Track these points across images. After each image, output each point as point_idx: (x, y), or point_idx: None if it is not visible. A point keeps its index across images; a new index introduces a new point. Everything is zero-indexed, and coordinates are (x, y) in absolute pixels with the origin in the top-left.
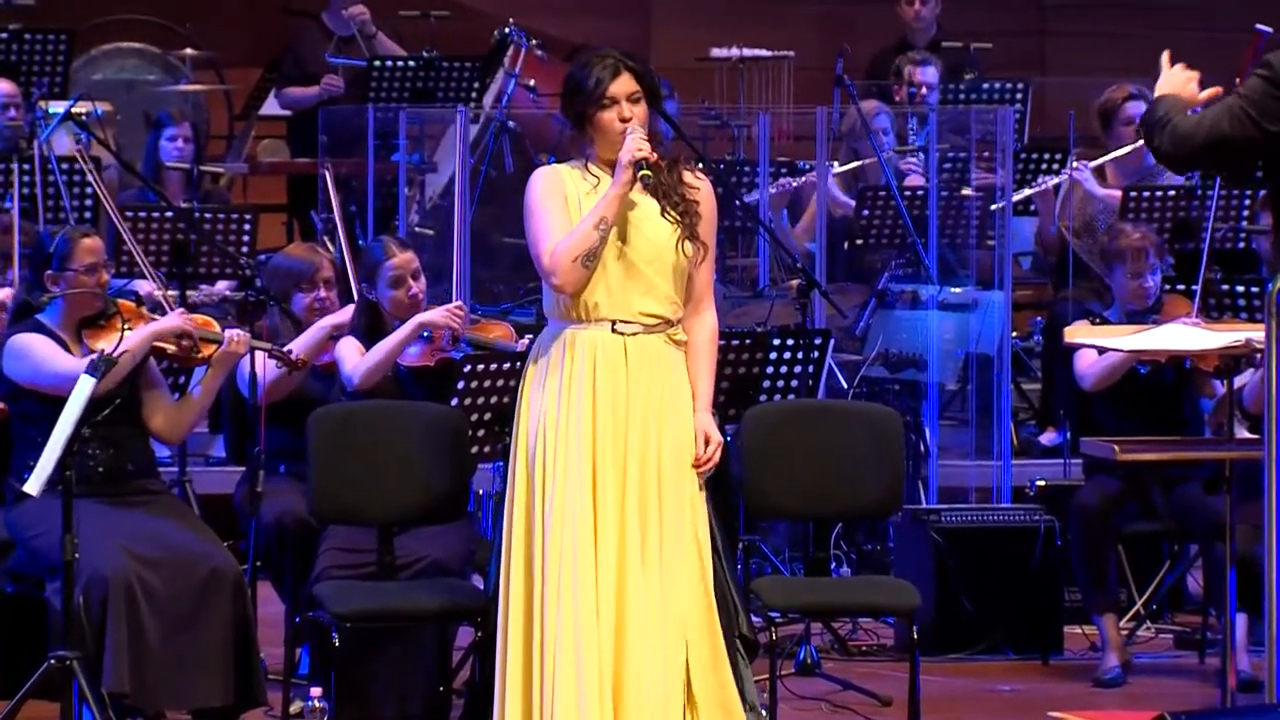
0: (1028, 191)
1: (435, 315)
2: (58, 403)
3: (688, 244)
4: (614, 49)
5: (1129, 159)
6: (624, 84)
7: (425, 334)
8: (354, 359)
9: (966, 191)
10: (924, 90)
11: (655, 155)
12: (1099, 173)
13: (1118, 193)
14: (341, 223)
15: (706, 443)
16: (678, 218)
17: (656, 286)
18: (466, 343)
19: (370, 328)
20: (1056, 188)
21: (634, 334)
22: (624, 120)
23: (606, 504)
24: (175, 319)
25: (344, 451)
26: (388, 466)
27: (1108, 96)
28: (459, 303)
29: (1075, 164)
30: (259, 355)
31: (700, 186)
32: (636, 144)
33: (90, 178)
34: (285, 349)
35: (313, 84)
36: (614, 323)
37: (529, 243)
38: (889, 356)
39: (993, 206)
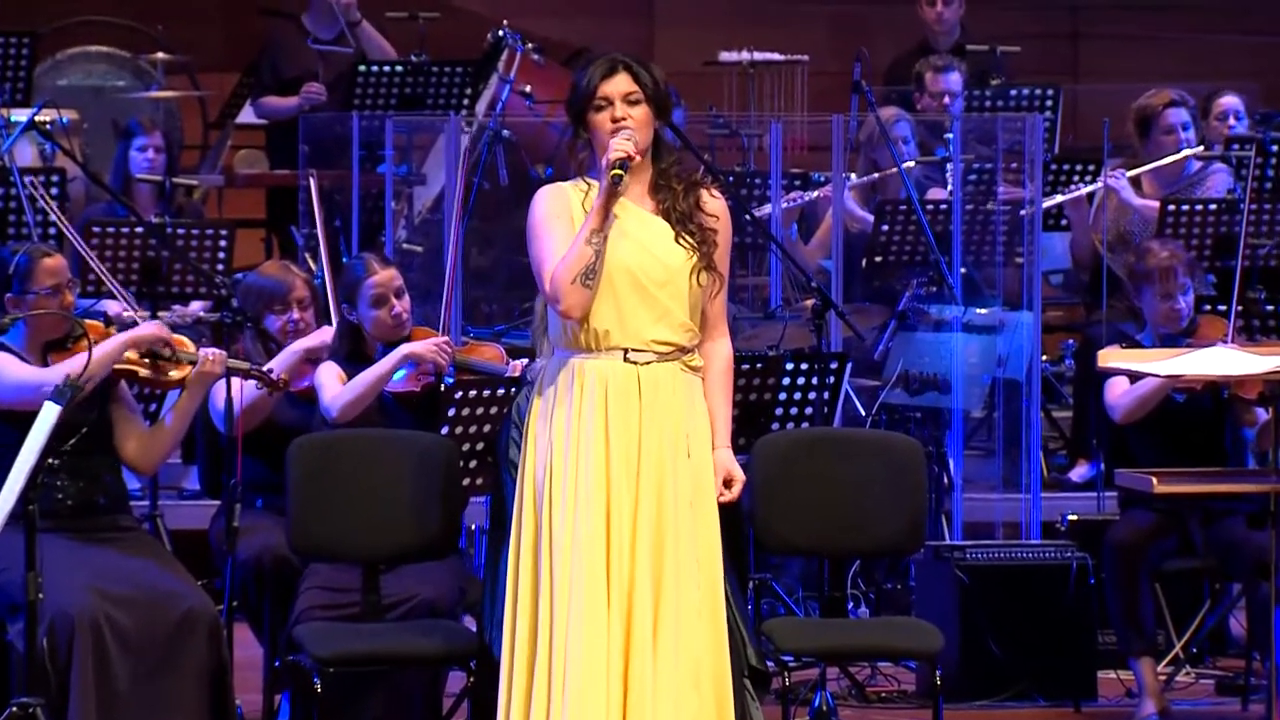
0: (1059, 199)
1: (421, 348)
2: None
3: (703, 274)
4: (620, 52)
5: (1167, 170)
6: (619, 83)
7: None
8: (334, 388)
9: (992, 207)
10: (946, 99)
11: (638, 155)
12: (1135, 184)
13: (1156, 204)
14: (324, 237)
15: (728, 483)
16: (694, 245)
17: (671, 312)
18: (453, 365)
19: (352, 352)
20: (1091, 196)
21: (647, 363)
22: (616, 120)
23: (621, 542)
24: (151, 327)
25: (326, 484)
26: (373, 500)
27: (1146, 102)
28: (446, 337)
29: (1111, 172)
30: (237, 383)
31: (719, 214)
32: (617, 144)
33: (39, 194)
34: (265, 369)
35: (290, 92)
36: (626, 351)
37: (532, 267)
38: (910, 382)
39: (1021, 211)
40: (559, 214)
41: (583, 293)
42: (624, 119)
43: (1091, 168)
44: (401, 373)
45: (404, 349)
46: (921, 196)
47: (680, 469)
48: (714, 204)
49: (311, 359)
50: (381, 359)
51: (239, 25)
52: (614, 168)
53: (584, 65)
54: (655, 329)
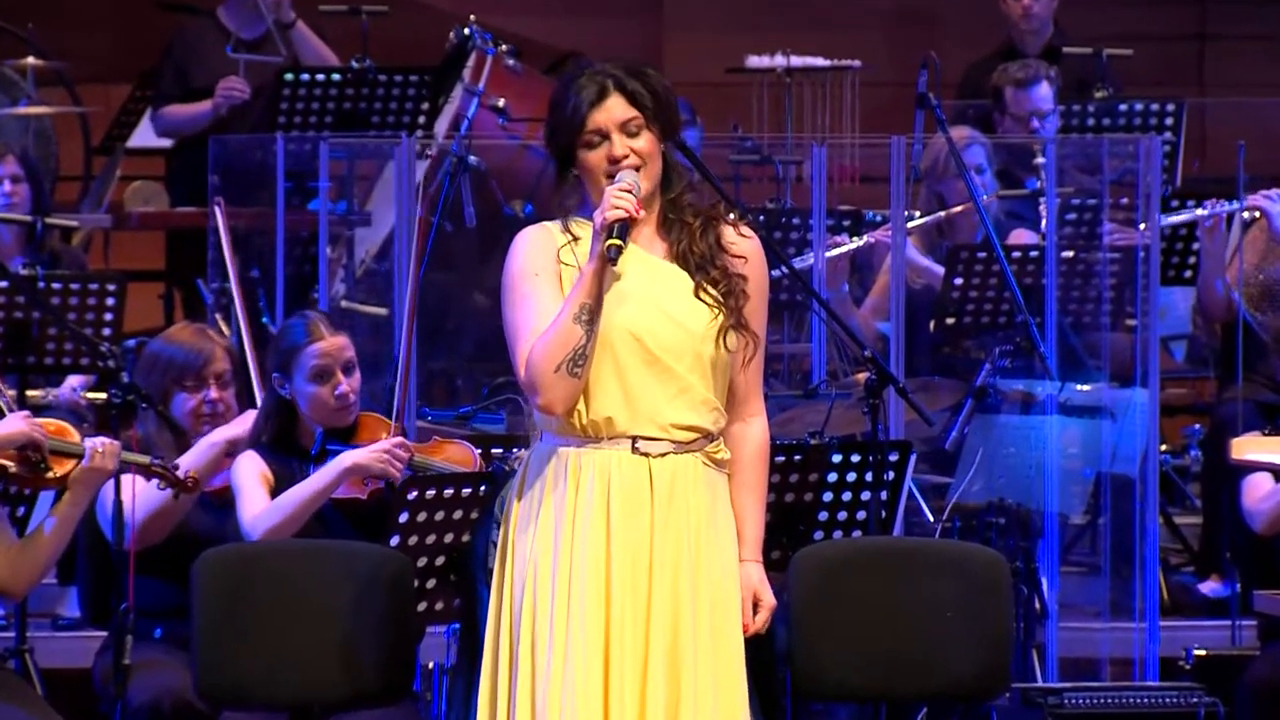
0: (1194, 214)
1: (368, 459)
2: None
3: (732, 335)
4: (614, 60)
5: None
6: (612, 110)
7: None
8: (256, 500)
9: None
10: (1035, 122)
11: (640, 212)
12: None
13: None
14: (239, 292)
15: (755, 606)
16: (718, 299)
17: (691, 389)
18: (411, 469)
19: (280, 437)
20: (1229, 220)
21: (662, 454)
22: (615, 160)
23: (625, 676)
24: (18, 423)
25: (242, 609)
26: (302, 630)
27: None
28: (399, 439)
29: (1266, 192)
30: (129, 480)
31: (748, 254)
32: (613, 197)
33: None
34: (171, 465)
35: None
36: (635, 440)
37: (506, 337)
38: (992, 478)
39: (1140, 236)
40: (542, 269)
41: (567, 384)
42: (625, 155)
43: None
44: None
45: (347, 460)
46: (1002, 240)
47: (700, 587)
48: (743, 244)
49: (233, 453)
50: (318, 456)
51: (131, 25)
52: (610, 234)
53: (564, 84)
54: (671, 410)
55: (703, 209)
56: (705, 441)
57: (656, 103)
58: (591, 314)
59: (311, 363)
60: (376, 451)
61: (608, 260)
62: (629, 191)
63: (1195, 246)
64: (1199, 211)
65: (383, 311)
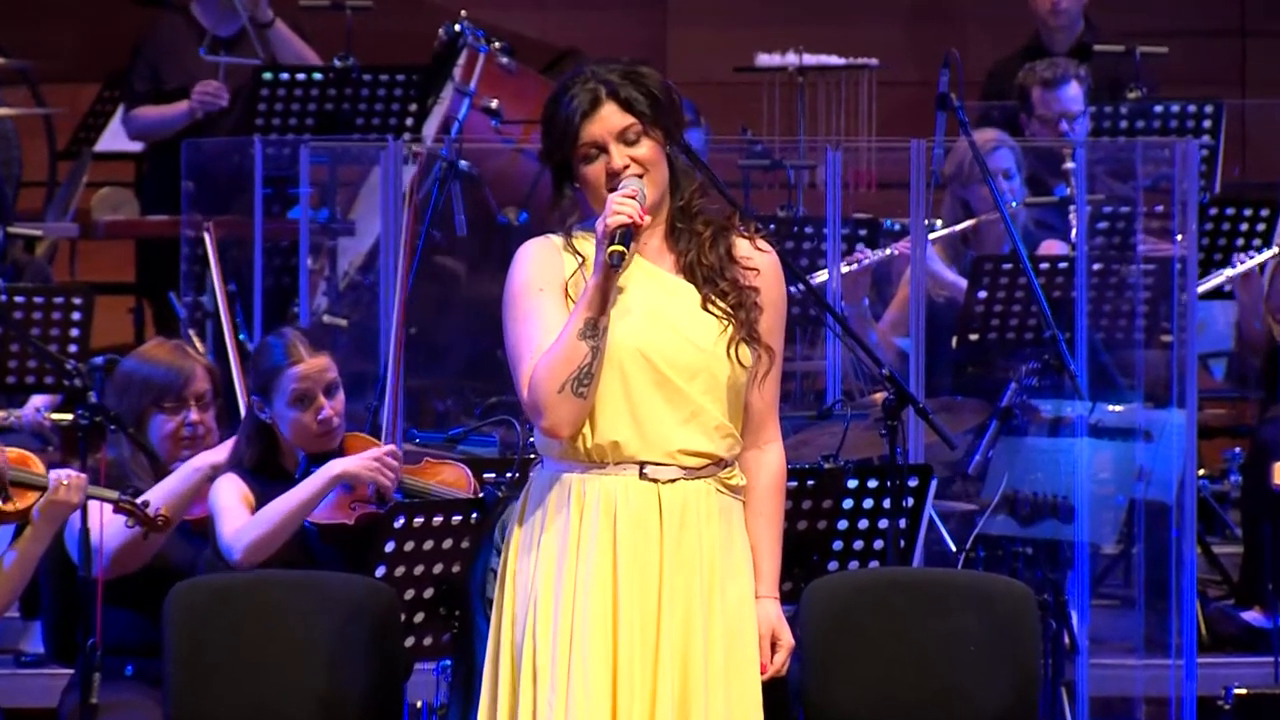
0: (1221, 276)
1: (357, 466)
2: None
3: (744, 349)
4: (607, 63)
5: None
6: (607, 120)
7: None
8: (236, 517)
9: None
10: (1064, 124)
11: (645, 218)
12: None
13: None
14: (227, 315)
15: (773, 646)
16: (727, 311)
17: (703, 412)
18: (401, 492)
19: (262, 462)
20: (1262, 266)
21: (671, 480)
22: (614, 174)
23: (632, 715)
24: None
25: (218, 644)
26: (282, 666)
27: None
28: (390, 447)
29: None
30: (97, 507)
31: (762, 268)
32: (615, 203)
33: None
34: (139, 499)
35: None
36: (642, 466)
37: (508, 356)
38: (1018, 505)
39: (1176, 247)
40: (547, 283)
41: (572, 405)
42: (625, 166)
43: (1264, 214)
44: (329, 496)
45: (334, 468)
46: (1032, 251)
47: (714, 622)
48: (758, 257)
49: (214, 479)
50: (303, 479)
51: (99, 21)
52: (612, 240)
53: (555, 96)
54: (682, 434)
55: (715, 218)
56: (717, 468)
57: (654, 106)
58: (597, 329)
59: (291, 386)
60: (365, 459)
61: (610, 268)
62: (632, 197)
63: (1235, 258)
64: (1227, 272)
65: (342, 323)
